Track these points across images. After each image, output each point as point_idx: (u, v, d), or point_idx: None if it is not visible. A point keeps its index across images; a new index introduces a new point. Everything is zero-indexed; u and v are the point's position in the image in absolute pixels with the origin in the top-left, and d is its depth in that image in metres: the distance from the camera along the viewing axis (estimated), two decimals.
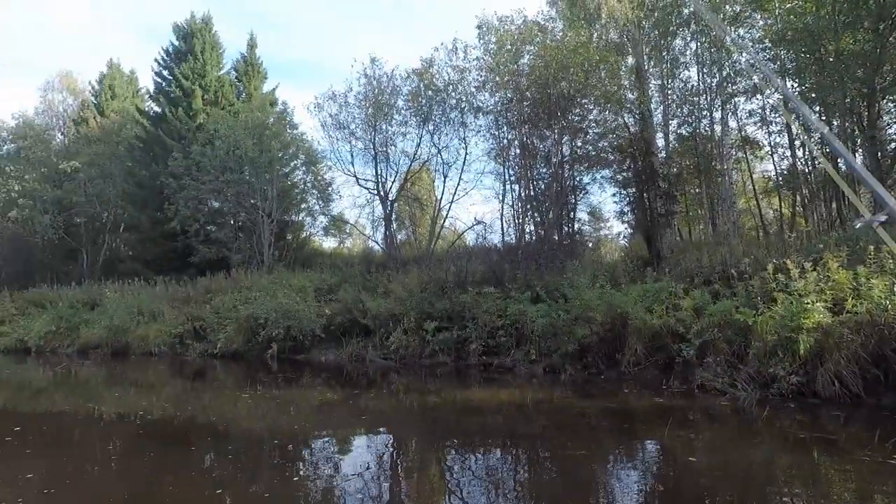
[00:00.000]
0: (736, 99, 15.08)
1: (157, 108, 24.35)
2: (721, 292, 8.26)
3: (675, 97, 16.66)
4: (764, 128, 15.32)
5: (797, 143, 13.76)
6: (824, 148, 12.90)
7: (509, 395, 8.30)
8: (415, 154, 18.50)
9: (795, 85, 13.73)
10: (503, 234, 16.00)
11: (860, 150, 11.90)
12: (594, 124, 15.61)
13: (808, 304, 6.34)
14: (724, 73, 14.79)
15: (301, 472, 5.02)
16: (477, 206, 21.90)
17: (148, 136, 23.06)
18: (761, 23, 14.45)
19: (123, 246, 26.15)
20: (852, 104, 11.53)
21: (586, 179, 16.12)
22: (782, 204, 15.86)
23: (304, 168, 22.05)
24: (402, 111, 18.07)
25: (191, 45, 23.44)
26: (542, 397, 7.98)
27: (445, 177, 18.51)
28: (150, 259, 21.71)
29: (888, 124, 12.95)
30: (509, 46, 14.92)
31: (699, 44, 15.72)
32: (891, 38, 10.52)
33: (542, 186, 15.21)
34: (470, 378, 9.70)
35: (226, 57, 25.06)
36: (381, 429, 6.81)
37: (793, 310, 6.41)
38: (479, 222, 17.55)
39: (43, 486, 4.62)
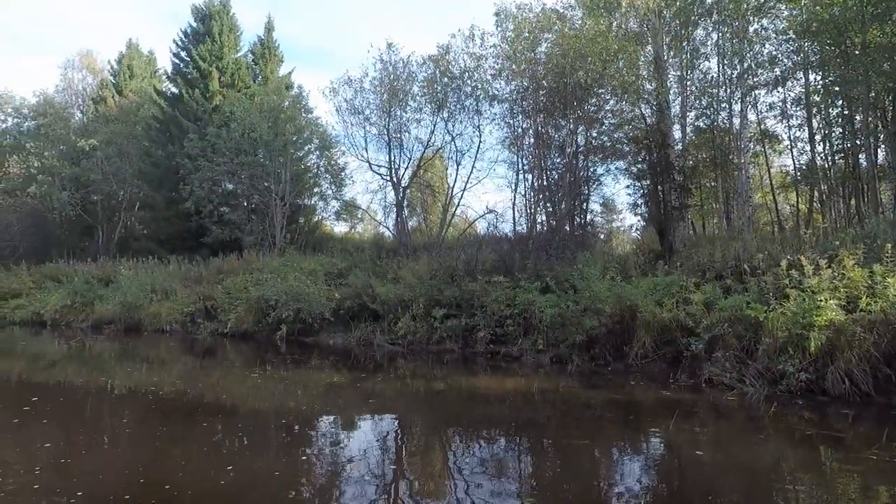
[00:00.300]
0: (756, 91, 14.79)
1: (174, 89, 24.49)
2: (733, 287, 8.17)
3: (693, 88, 16.37)
4: (784, 121, 15.05)
5: (817, 137, 13.49)
6: (845, 143, 12.68)
7: (515, 383, 8.32)
8: (429, 141, 18.46)
9: (819, 78, 13.44)
10: (514, 223, 15.97)
11: (882, 146, 11.63)
12: (610, 115, 15.43)
13: (821, 301, 6.26)
14: (746, 65, 14.49)
15: (307, 452, 5.11)
16: (489, 195, 21.97)
17: (165, 116, 23.23)
18: (786, 13, 14.10)
19: (138, 224, 26.53)
20: (876, 99, 11.25)
21: (600, 170, 15.99)
22: (799, 199, 15.58)
23: (317, 152, 22.13)
24: (417, 98, 18.01)
25: (209, 27, 23.49)
26: (548, 387, 7.99)
27: (458, 164, 18.49)
28: (163, 238, 22.01)
29: None
30: (527, 34, 14.73)
31: (721, 34, 15.40)
32: None
33: (556, 176, 15.10)
34: (477, 366, 9.74)
35: (243, 40, 25.15)
36: (387, 413, 6.88)
37: (805, 307, 6.34)
38: (490, 211, 17.53)
39: (60, 456, 4.75)
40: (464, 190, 18.76)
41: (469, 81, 17.08)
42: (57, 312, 16.56)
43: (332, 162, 21.86)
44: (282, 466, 4.59)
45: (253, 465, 4.61)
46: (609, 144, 15.44)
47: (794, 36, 13.36)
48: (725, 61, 15.34)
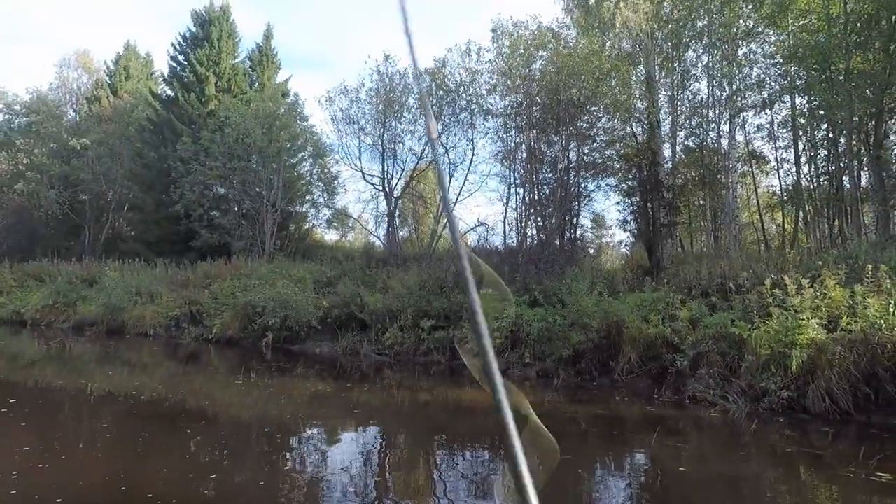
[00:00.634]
0: (745, 113, 15.08)
1: (169, 92, 24.41)
2: (718, 305, 8.26)
3: (684, 108, 16.66)
4: (771, 143, 15.35)
5: (803, 159, 13.77)
6: (830, 166, 12.95)
7: None
8: (422, 152, 18.55)
9: (805, 102, 13.76)
10: (505, 236, 16.04)
11: (866, 169, 11.90)
12: (602, 132, 15.60)
13: (802, 320, 6.36)
14: (735, 87, 14.80)
15: (289, 462, 5.06)
16: (481, 208, 22.15)
17: (159, 118, 23.15)
18: (773, 38, 14.46)
19: (126, 226, 26.27)
20: (860, 123, 11.54)
21: (591, 186, 16.10)
22: (785, 219, 15.84)
23: (311, 160, 22.10)
24: (413, 109, 18.11)
25: (208, 32, 23.52)
26: (534, 401, 7.95)
27: (451, 176, 18.54)
28: (151, 241, 21.80)
29: (894, 144, 12.97)
30: (522, 51, 14.93)
31: (711, 56, 15.74)
32: None
33: (547, 191, 15.22)
34: (463, 378, 9.71)
35: (241, 46, 25.17)
36: (371, 423, 6.84)
37: (788, 325, 6.42)
38: (481, 224, 17.60)
39: (38, 461, 4.67)
40: (456, 202, 18.80)
41: (464, 95, 17.26)
42: (38, 312, 16.28)
43: (326, 170, 21.85)
44: (265, 476, 4.54)
45: (235, 474, 4.56)
46: (600, 161, 15.60)
47: (781, 60, 13.69)
48: (715, 83, 15.65)
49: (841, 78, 11.39)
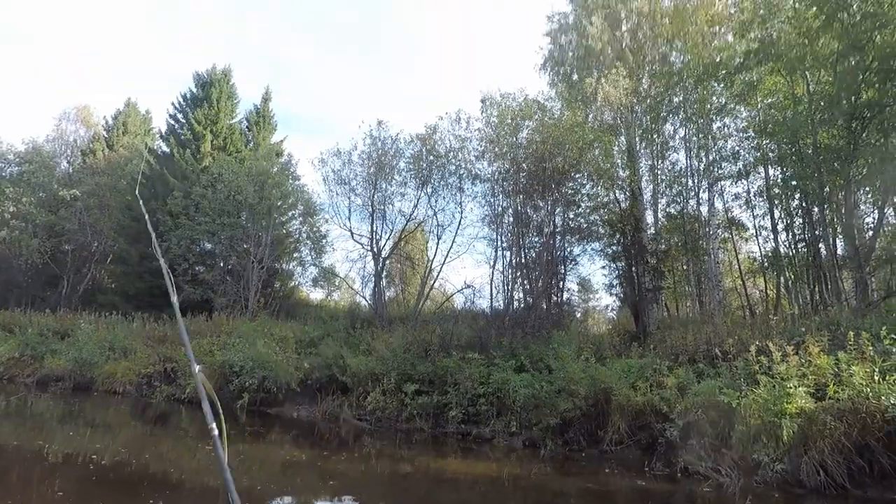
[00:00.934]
0: (722, 182, 15.61)
1: (165, 148, 24.80)
2: (705, 371, 8.16)
3: (664, 177, 17.27)
4: (749, 210, 15.81)
5: (780, 226, 14.16)
6: (806, 233, 13.31)
7: (486, 468, 7.95)
8: (411, 214, 18.76)
9: (778, 173, 14.34)
10: (492, 299, 15.94)
11: (840, 238, 12.23)
12: (586, 198, 16.01)
13: (790, 388, 6.26)
14: (711, 158, 15.42)
15: None
16: (468, 270, 22.26)
17: (152, 172, 23.31)
18: (745, 114, 15.27)
19: (107, 278, 25.75)
20: (831, 193, 11.98)
21: (577, 250, 16.33)
22: (768, 285, 16.04)
23: (301, 218, 22.23)
24: (403, 172, 18.49)
25: (208, 92, 24.26)
26: (521, 473, 7.64)
27: (439, 238, 18.67)
28: (131, 293, 21.33)
29: (865, 213, 13.43)
30: (509, 121, 15.55)
31: (687, 129, 16.51)
32: (863, 136, 11.14)
33: (534, 255, 15.36)
34: (447, 447, 9.32)
35: (240, 107, 25.90)
36: (347, 496, 6.45)
37: (775, 394, 6.32)
38: (468, 286, 17.50)
39: None
40: (443, 264, 18.84)
41: (453, 160, 17.70)
42: (1, 365, 15.48)
43: (315, 228, 21.93)
44: None
45: None
46: (585, 226, 15.91)
47: (753, 134, 14.41)
48: (693, 154, 16.33)
49: (809, 151, 11.95)
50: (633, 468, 7.40)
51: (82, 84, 54.18)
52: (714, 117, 15.47)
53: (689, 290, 16.97)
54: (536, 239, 15.52)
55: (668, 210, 17.18)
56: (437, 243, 18.75)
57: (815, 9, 11.44)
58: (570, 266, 16.23)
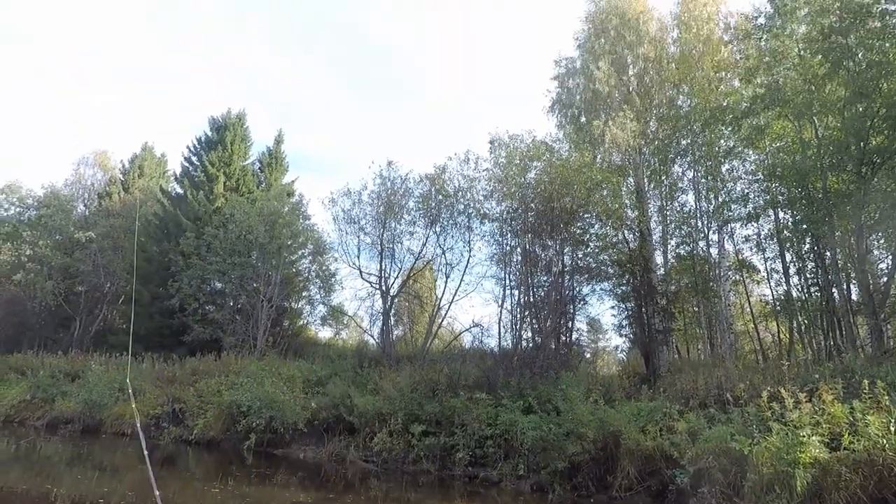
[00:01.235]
0: (732, 224, 15.53)
1: (179, 190, 25.49)
2: (716, 417, 8.01)
3: (673, 218, 17.28)
4: (760, 253, 15.66)
5: (792, 269, 13.98)
6: (818, 278, 13.17)
7: None
8: (420, 252, 18.94)
9: (788, 216, 14.29)
10: (500, 338, 15.86)
11: (854, 283, 12.06)
12: (595, 238, 16.10)
13: (803, 437, 6.13)
14: (721, 200, 15.40)
15: None
16: (476, 309, 22.23)
17: (166, 213, 23.93)
18: (753, 157, 15.34)
19: (119, 318, 26.02)
20: (842, 238, 11.88)
21: (586, 290, 16.27)
22: (780, 329, 15.75)
23: (310, 257, 22.51)
24: (412, 212, 18.78)
25: (222, 136, 25.11)
26: None
27: (447, 277, 18.75)
28: (142, 334, 21.47)
29: (879, 259, 13.23)
30: (518, 161, 15.86)
31: (696, 172, 16.61)
32: (874, 181, 11.08)
33: (542, 294, 15.35)
34: (454, 490, 9.14)
35: (253, 149, 26.72)
36: None
37: (788, 442, 6.18)
38: (476, 325, 17.47)
39: None
40: (451, 302, 18.85)
41: (462, 200, 17.97)
42: (13, 408, 15.56)
43: (324, 267, 22.17)
44: None
45: None
46: (594, 266, 15.92)
47: (762, 177, 14.39)
48: (702, 195, 16.37)
49: (819, 196, 11.91)
50: None
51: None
52: (722, 160, 15.49)
53: (700, 332, 16.71)
54: (545, 278, 15.54)
55: (677, 251, 17.14)
56: (446, 282, 18.84)
57: (820, 57, 11.62)
58: (579, 306, 16.17)
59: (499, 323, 16.13)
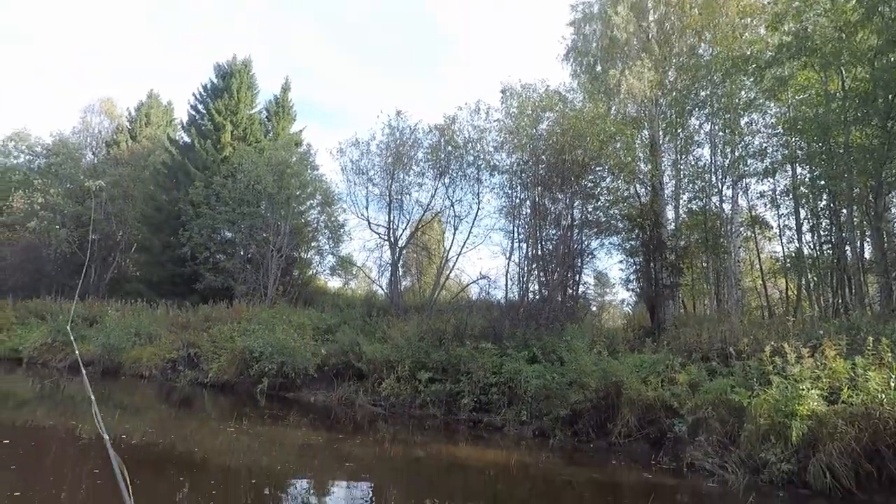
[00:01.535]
0: (747, 180, 15.28)
1: (186, 139, 25.29)
2: (718, 370, 8.15)
3: (687, 172, 16.97)
4: (773, 209, 15.47)
5: (805, 227, 13.84)
6: (832, 236, 13.03)
7: (496, 455, 8.11)
8: (428, 204, 18.90)
9: (806, 172, 14.00)
10: (507, 290, 16.03)
11: (868, 241, 11.94)
12: (606, 192, 15.89)
13: (802, 390, 6.25)
14: (737, 155, 15.08)
15: None
16: (484, 261, 22.32)
17: (174, 163, 23.86)
18: (774, 109, 14.88)
19: (132, 266, 26.52)
20: (861, 195, 11.67)
21: (594, 244, 16.23)
22: (789, 286, 15.75)
23: (319, 208, 22.54)
24: (421, 163, 18.61)
25: (228, 83, 24.61)
26: (529, 461, 7.78)
27: (456, 229, 18.79)
28: (155, 281, 21.96)
29: (895, 216, 13.03)
30: (529, 112, 15.46)
31: (713, 125, 16.16)
32: None
33: (550, 247, 15.35)
34: (458, 434, 9.51)
35: (259, 98, 26.23)
36: (362, 478, 6.67)
37: (787, 394, 6.31)
38: (483, 277, 17.63)
39: None
40: (459, 254, 18.97)
41: (472, 151, 17.72)
42: (35, 350, 16.17)
43: (333, 218, 22.24)
44: None
45: None
46: (604, 220, 15.80)
47: (781, 131, 14.01)
48: (718, 150, 15.99)
49: (840, 151, 11.62)
50: (641, 461, 7.48)
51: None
52: (742, 112, 15.09)
53: (708, 287, 16.75)
54: (554, 231, 15.49)
55: (689, 206, 16.93)
56: (454, 234, 18.89)
57: (854, 1, 11.06)
58: (587, 259, 16.18)
59: (506, 275, 16.27)
